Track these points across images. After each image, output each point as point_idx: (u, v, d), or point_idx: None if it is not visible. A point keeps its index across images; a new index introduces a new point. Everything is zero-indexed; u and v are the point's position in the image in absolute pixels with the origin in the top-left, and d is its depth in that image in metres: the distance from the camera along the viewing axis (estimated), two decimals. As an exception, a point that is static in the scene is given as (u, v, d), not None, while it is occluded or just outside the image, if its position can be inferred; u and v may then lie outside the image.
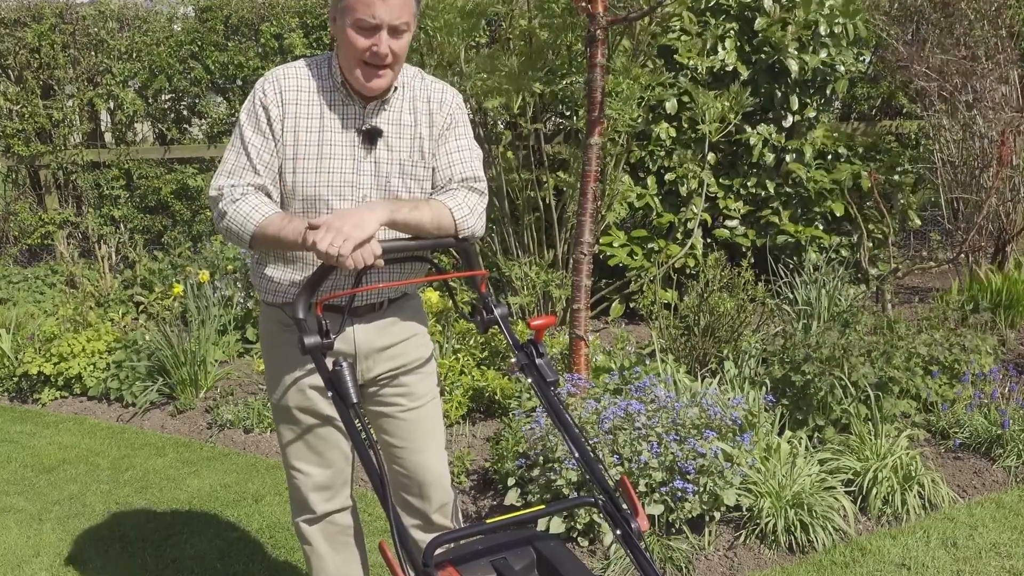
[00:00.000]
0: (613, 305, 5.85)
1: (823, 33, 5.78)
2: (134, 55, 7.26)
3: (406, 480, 2.48)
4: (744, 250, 6.02)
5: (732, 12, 5.89)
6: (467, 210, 2.25)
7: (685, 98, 5.74)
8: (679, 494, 3.22)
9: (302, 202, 2.24)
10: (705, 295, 4.58)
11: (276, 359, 2.39)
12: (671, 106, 5.73)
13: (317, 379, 2.31)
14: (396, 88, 2.27)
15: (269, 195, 2.23)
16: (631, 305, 5.78)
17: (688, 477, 3.24)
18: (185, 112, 7.69)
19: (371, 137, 2.24)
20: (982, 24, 6.00)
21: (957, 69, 5.90)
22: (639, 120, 5.40)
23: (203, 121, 7.61)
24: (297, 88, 2.22)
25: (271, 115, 2.20)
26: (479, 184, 2.31)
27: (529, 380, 2.14)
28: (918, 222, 6.29)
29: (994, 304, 5.32)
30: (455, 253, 2.36)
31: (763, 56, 5.84)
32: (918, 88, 6.17)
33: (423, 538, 2.49)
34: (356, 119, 2.24)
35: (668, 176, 5.88)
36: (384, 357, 2.39)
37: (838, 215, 5.99)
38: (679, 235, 5.90)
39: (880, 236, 5.93)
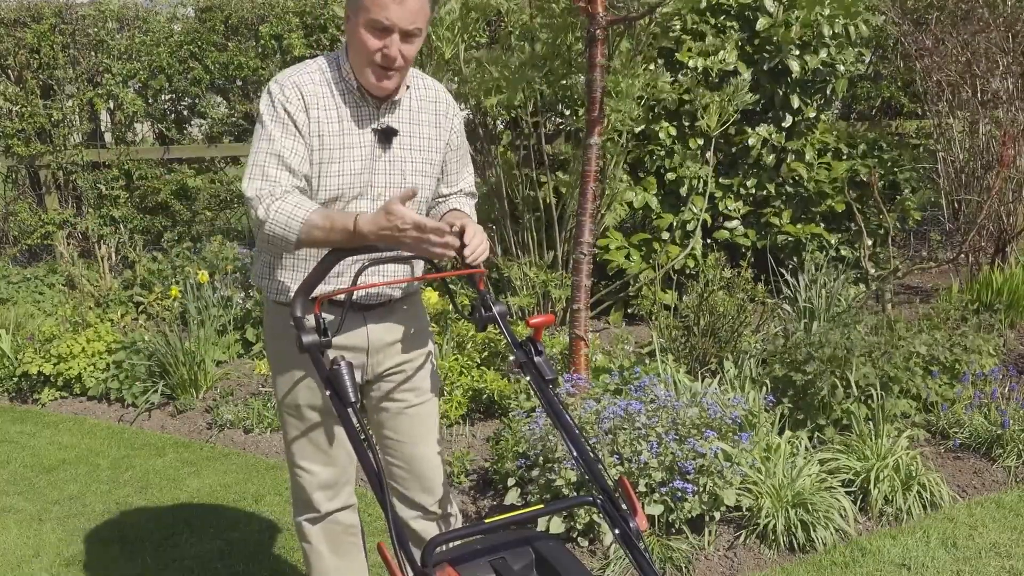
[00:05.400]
0: (613, 314, 5.84)
1: (826, 35, 5.77)
2: (134, 55, 7.26)
3: (405, 473, 2.50)
4: (744, 251, 6.01)
5: (732, 12, 5.89)
6: (475, 217, 2.50)
7: (685, 96, 5.73)
8: (679, 494, 3.21)
9: (322, 204, 2.25)
10: (705, 295, 4.57)
11: (285, 356, 2.39)
12: (671, 100, 5.72)
13: None
14: (407, 87, 2.30)
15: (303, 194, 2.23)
16: (629, 310, 5.77)
17: (688, 477, 3.23)
18: (185, 112, 7.69)
19: (387, 136, 2.26)
20: (987, 22, 5.98)
21: (973, 61, 5.88)
22: (638, 117, 5.39)
23: (203, 121, 7.62)
24: (317, 93, 2.21)
25: (296, 120, 2.17)
26: (475, 192, 2.59)
27: (528, 378, 2.15)
28: (917, 217, 6.29)
29: (994, 303, 5.31)
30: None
31: (764, 56, 5.83)
32: (924, 87, 6.15)
33: (423, 527, 2.53)
34: (371, 119, 2.26)
35: (668, 176, 5.88)
36: (393, 351, 2.42)
37: (839, 212, 5.98)
38: (678, 236, 5.89)
39: (880, 233, 5.92)
